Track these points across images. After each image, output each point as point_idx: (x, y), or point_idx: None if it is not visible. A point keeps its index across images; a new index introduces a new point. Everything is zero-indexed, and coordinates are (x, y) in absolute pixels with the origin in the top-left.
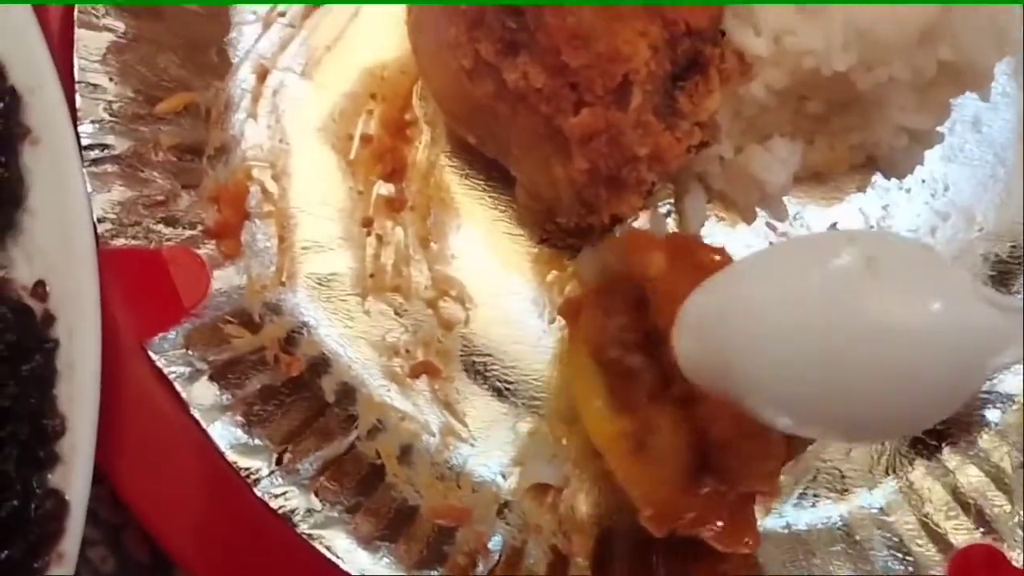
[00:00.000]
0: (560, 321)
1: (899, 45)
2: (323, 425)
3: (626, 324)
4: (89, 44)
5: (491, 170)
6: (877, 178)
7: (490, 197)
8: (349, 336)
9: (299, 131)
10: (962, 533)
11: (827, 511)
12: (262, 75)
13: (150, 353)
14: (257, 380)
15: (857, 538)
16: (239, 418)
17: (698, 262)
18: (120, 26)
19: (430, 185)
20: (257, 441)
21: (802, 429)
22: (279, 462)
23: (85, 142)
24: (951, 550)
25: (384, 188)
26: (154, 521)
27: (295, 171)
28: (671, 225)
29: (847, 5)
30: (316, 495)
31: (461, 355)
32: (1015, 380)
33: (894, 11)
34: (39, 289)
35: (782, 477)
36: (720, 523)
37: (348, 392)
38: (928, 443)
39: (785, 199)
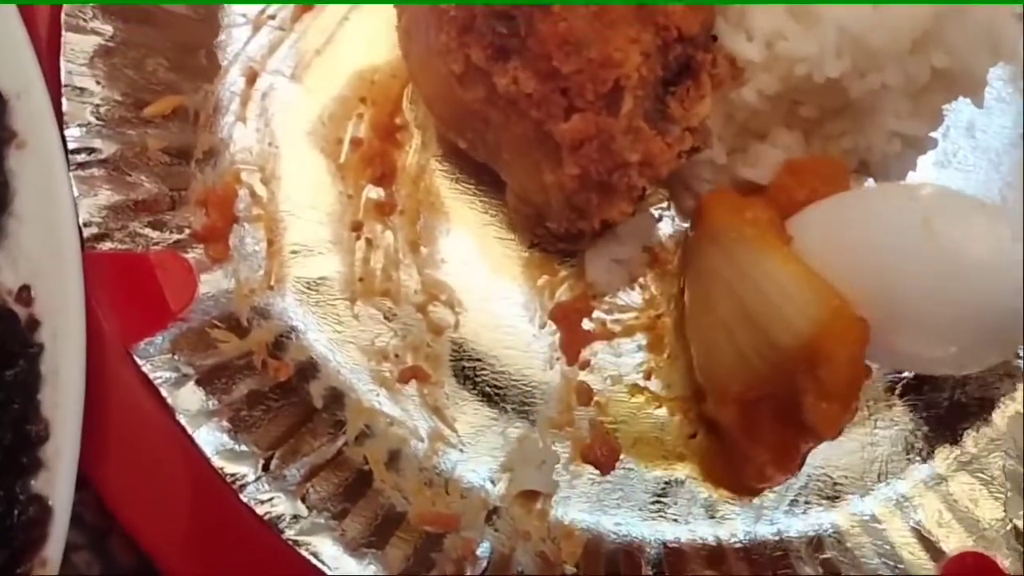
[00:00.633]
0: (551, 325)
1: (892, 52)
2: (310, 430)
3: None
4: (76, 47)
5: (481, 174)
6: (870, 183)
7: (480, 201)
8: (338, 341)
9: (288, 135)
10: (954, 540)
11: (819, 518)
12: (251, 78)
13: (136, 358)
14: (244, 385)
15: (848, 545)
16: (225, 423)
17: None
18: (108, 29)
19: (420, 189)
20: (243, 447)
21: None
22: (265, 468)
23: (72, 146)
24: (943, 557)
25: (374, 192)
26: (139, 527)
27: (284, 175)
28: (663, 228)
29: (840, 12)
30: (303, 501)
31: (451, 360)
32: (1008, 386)
33: (887, 18)
34: (24, 294)
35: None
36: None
37: (336, 397)
38: (920, 451)
39: None
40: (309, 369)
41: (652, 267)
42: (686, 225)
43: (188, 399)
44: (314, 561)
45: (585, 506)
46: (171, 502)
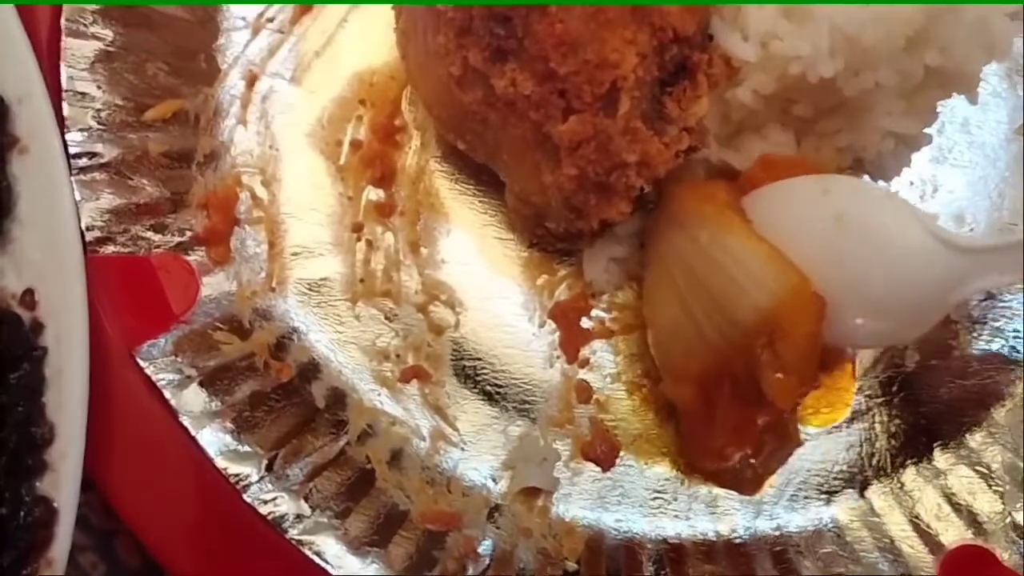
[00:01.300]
0: (551, 324)
1: (886, 51)
2: (313, 431)
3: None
4: (77, 52)
5: (481, 175)
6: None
7: (480, 202)
8: (339, 341)
9: (289, 137)
10: (953, 533)
11: (818, 512)
12: (251, 81)
13: (139, 360)
14: (247, 386)
15: (848, 539)
16: (228, 424)
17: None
18: (108, 34)
19: (420, 190)
20: (246, 447)
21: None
22: (269, 468)
23: (73, 150)
24: (942, 550)
25: (374, 193)
26: (144, 528)
27: (285, 177)
28: None
29: (833, 11)
30: (306, 500)
31: (451, 359)
32: (1005, 379)
33: (881, 17)
34: (28, 297)
35: (774, 479)
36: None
37: (338, 397)
38: (919, 444)
39: None
40: (311, 370)
41: None
42: None
43: (191, 401)
44: (317, 560)
45: (586, 503)
46: (175, 503)
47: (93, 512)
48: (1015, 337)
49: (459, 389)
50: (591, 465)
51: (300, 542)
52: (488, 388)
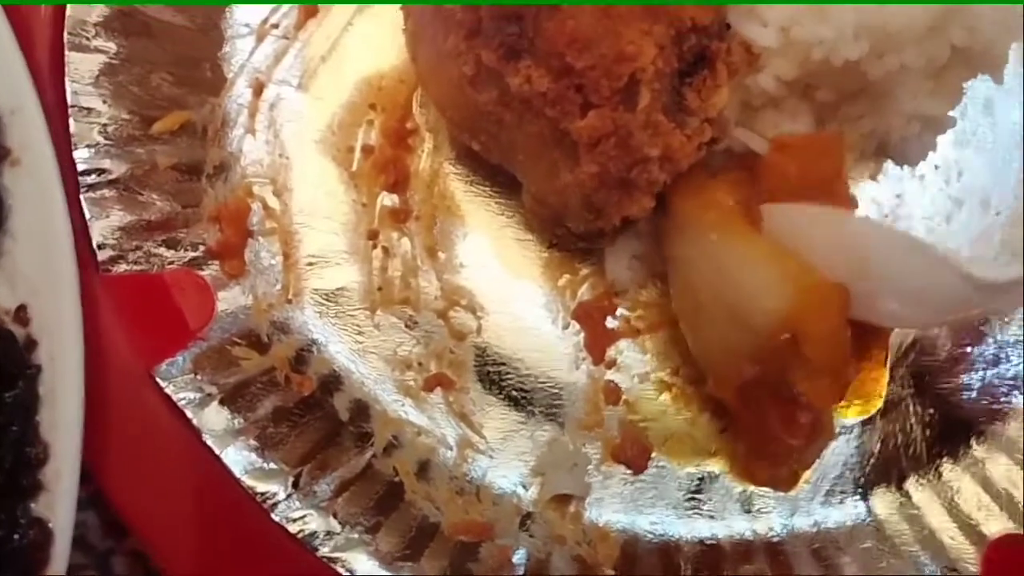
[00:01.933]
0: (575, 326)
1: (911, 32)
2: (338, 444)
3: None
4: (81, 67)
5: (496, 175)
6: (889, 166)
7: (496, 203)
8: (360, 351)
9: (298, 145)
10: (994, 524)
11: (855, 507)
12: (258, 89)
13: (158, 380)
14: (269, 402)
15: (887, 533)
16: (252, 442)
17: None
18: (111, 47)
19: (435, 194)
20: (272, 465)
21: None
22: (295, 485)
23: (81, 167)
24: (984, 541)
25: (388, 199)
26: (171, 553)
27: (296, 185)
28: None
29: None
30: (335, 517)
31: (475, 365)
32: None
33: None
34: (21, 314)
35: (808, 474)
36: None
37: (362, 409)
38: (954, 434)
39: None
40: (332, 382)
41: None
42: None
43: (213, 419)
44: None
45: (619, 507)
46: (200, 524)
47: (90, 532)
48: None
49: (484, 395)
50: (622, 468)
51: (332, 559)
52: (514, 393)
